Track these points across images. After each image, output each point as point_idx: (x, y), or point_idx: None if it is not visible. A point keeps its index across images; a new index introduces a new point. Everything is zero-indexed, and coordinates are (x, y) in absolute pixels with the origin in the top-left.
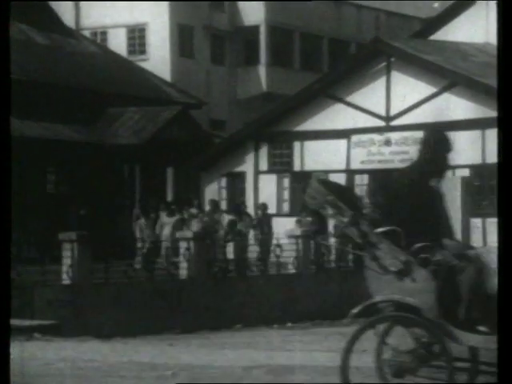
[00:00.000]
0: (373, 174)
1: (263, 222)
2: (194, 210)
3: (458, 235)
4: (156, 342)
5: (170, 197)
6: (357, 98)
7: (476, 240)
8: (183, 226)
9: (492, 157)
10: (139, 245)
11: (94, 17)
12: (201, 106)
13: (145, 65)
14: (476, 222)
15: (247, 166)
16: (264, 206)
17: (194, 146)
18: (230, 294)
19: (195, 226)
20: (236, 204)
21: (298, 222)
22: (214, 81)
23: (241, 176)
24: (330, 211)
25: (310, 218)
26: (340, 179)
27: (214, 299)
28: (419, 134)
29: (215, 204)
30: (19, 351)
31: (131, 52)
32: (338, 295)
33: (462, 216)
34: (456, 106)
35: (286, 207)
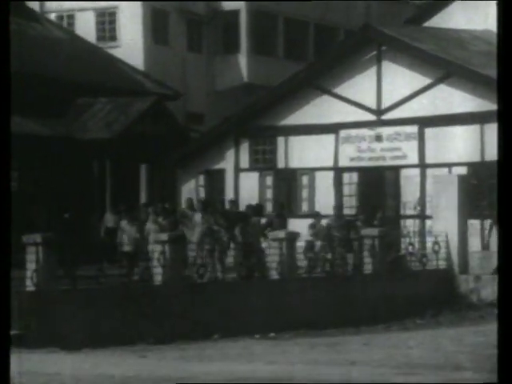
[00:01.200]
0: (363, 171)
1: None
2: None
3: (454, 238)
4: (128, 353)
5: (143, 196)
6: (345, 89)
7: (474, 243)
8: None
9: (491, 154)
10: (126, 249)
11: None
12: (177, 97)
13: (115, 52)
14: (474, 224)
15: (227, 163)
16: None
17: (170, 141)
18: (207, 301)
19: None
20: (256, 204)
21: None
22: (190, 70)
23: (220, 174)
24: None
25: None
26: (327, 177)
27: (190, 307)
28: (413, 129)
29: (190, 203)
30: None
31: (101, 38)
32: (325, 303)
33: (458, 217)
34: (452, 99)
35: (269, 207)
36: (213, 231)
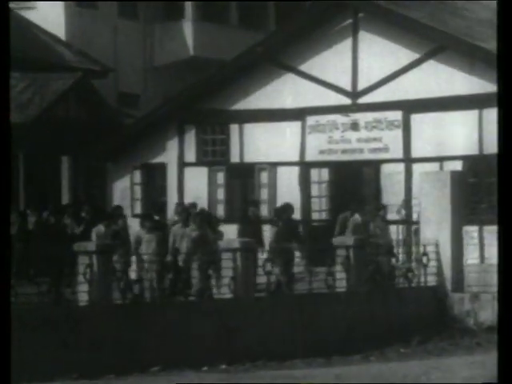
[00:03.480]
0: (335, 167)
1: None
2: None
3: (447, 248)
4: None
5: (65, 196)
6: (313, 66)
7: (471, 254)
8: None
9: (492, 145)
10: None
11: None
12: (106, 73)
13: (31, 15)
14: (471, 231)
15: (169, 156)
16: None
17: (98, 128)
18: (145, 325)
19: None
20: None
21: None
22: (123, 41)
23: (160, 169)
24: None
25: None
26: (292, 174)
27: (123, 333)
28: (396, 116)
29: (119, 210)
30: None
31: None
32: (289, 327)
33: (451, 223)
34: (444, 78)
35: (220, 210)
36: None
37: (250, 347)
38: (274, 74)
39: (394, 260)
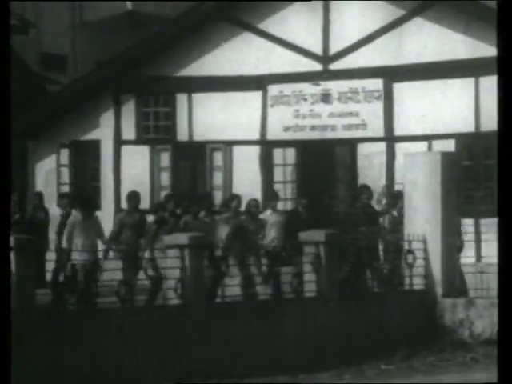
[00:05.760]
0: (303, 147)
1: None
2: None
3: (436, 245)
4: None
5: None
6: (276, 24)
7: (466, 252)
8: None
9: (490, 121)
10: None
11: None
12: (26, 30)
13: None
14: (466, 224)
15: (103, 132)
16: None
17: (16, 97)
18: (74, 337)
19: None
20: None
21: None
22: None
23: (93, 147)
24: None
25: None
26: (251, 155)
27: (49, 346)
28: (375, 85)
29: (39, 197)
30: None
31: None
32: (247, 339)
33: (442, 215)
34: (433, 40)
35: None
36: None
37: (201, 363)
38: (228, 33)
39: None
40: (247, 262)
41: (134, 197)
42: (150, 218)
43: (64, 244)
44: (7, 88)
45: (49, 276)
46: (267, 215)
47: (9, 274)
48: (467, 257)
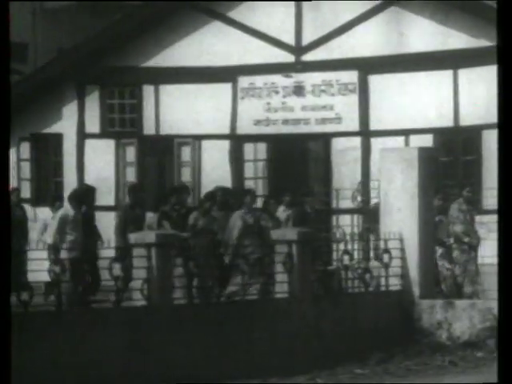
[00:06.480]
0: (274, 142)
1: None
2: None
3: (414, 243)
4: None
5: None
6: (247, 13)
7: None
8: None
9: (470, 115)
10: None
11: None
12: None
13: None
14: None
15: (65, 125)
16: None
17: None
18: (30, 343)
19: None
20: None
21: None
22: None
23: (55, 141)
24: None
25: None
26: (220, 150)
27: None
28: (351, 77)
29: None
30: None
31: None
32: (214, 343)
33: (419, 212)
34: (411, 30)
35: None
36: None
37: (168, 368)
38: (196, 22)
39: (346, 258)
40: (265, 261)
41: (136, 190)
42: (112, 216)
43: (54, 239)
44: (7, 88)
45: (32, 276)
46: (280, 212)
47: (9, 274)
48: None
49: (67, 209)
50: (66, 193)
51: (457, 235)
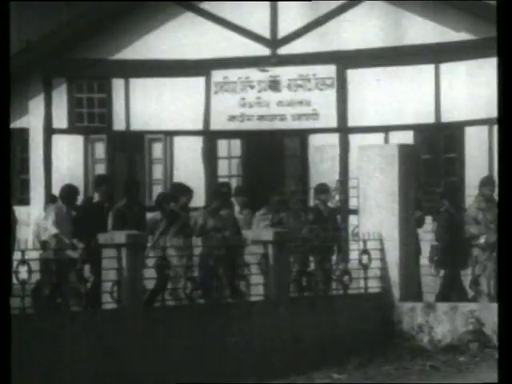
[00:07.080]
0: (249, 138)
1: None
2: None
3: (394, 244)
4: None
5: None
6: (220, 5)
7: (425, 252)
8: None
9: (452, 112)
10: None
11: None
12: None
13: None
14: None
15: (32, 120)
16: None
17: None
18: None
19: None
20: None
21: None
22: None
23: (21, 136)
24: None
25: None
26: (193, 147)
27: None
28: (328, 71)
29: None
30: None
31: None
32: (186, 348)
33: (400, 212)
34: (391, 22)
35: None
36: None
37: (138, 373)
38: (168, 13)
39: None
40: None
41: (132, 186)
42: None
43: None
44: (7, 88)
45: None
46: (259, 215)
47: (10, 274)
48: (425, 257)
49: (60, 205)
50: (33, 190)
51: (472, 235)
